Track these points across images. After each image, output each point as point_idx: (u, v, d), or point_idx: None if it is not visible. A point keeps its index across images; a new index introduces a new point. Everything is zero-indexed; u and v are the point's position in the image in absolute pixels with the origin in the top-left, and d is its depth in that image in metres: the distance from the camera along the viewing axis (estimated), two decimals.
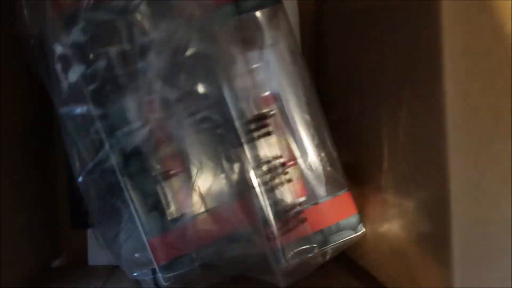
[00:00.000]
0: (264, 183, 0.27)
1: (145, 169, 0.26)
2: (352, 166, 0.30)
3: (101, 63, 0.24)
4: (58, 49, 0.23)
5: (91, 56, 0.24)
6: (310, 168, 0.28)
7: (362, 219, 0.29)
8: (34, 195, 0.33)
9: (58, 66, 0.23)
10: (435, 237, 0.21)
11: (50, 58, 0.24)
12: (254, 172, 0.27)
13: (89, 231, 0.35)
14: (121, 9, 0.24)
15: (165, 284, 0.26)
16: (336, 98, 0.33)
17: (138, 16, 0.24)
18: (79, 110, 0.24)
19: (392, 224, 0.26)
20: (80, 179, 0.24)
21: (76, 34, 0.23)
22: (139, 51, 0.25)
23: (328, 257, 0.28)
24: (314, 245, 0.28)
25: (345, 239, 0.29)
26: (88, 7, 0.23)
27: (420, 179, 0.22)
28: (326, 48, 0.35)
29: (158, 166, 0.26)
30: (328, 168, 0.29)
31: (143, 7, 0.24)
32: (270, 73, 0.28)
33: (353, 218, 0.29)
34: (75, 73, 0.23)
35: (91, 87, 0.24)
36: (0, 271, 0.28)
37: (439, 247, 0.20)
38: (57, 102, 0.24)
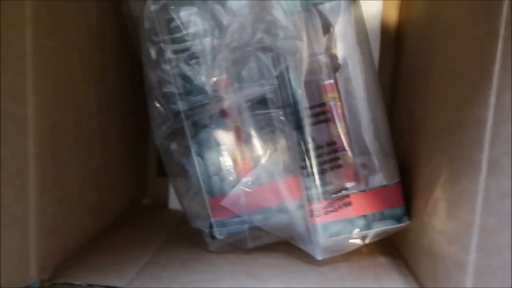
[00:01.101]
0: (315, 165, 0.30)
1: (212, 140, 0.30)
2: (406, 158, 0.31)
3: (182, 46, 0.28)
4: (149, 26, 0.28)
5: (177, 38, 0.28)
6: (363, 156, 0.30)
7: (409, 211, 0.30)
8: (131, 144, 0.40)
9: (149, 45, 0.28)
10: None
11: (143, 36, 0.28)
12: (307, 154, 0.29)
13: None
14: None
15: (218, 236, 0.30)
16: (404, 93, 0.33)
17: (216, 8, 0.27)
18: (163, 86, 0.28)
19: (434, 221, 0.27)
20: (157, 141, 0.29)
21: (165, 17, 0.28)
22: (214, 38, 0.28)
23: (368, 241, 0.30)
24: (355, 227, 0.30)
25: (387, 227, 0.30)
26: None
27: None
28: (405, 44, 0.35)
29: (223, 139, 0.30)
30: (382, 158, 0.30)
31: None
32: (333, 62, 0.29)
33: (399, 210, 0.30)
34: (162, 54, 0.27)
35: (175, 67, 0.28)
36: (110, 201, 0.36)
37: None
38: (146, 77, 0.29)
